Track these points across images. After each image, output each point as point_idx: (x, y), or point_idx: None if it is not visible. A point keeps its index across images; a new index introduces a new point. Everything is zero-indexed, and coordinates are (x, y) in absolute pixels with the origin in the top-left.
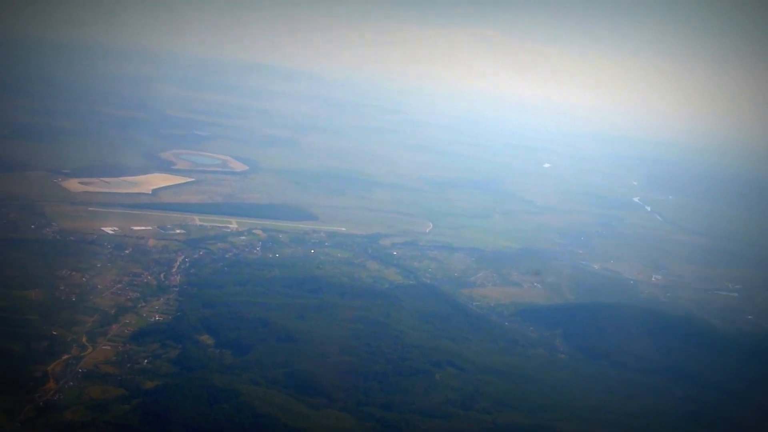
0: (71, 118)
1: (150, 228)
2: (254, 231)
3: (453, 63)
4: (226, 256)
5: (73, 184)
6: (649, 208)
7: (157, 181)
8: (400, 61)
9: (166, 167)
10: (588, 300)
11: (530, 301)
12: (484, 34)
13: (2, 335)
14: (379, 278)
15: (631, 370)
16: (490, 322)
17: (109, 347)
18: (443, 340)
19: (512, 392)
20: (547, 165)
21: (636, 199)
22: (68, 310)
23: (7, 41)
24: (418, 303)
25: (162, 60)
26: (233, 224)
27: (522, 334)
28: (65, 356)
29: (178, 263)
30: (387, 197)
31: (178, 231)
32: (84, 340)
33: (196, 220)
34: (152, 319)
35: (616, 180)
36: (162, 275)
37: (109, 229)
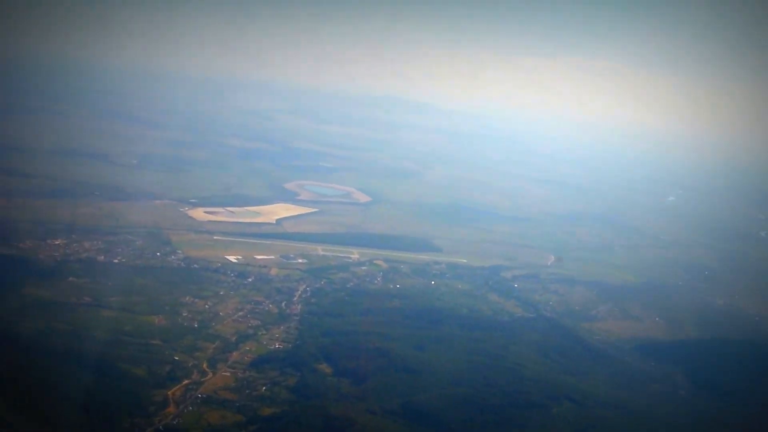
0: (199, 149)
1: (273, 257)
2: (376, 261)
3: (566, 92)
4: (348, 285)
5: (199, 214)
6: None
7: (281, 211)
8: (520, 92)
9: (291, 198)
10: (711, 336)
11: (651, 336)
12: (593, 65)
13: (127, 359)
14: (499, 310)
15: (754, 409)
16: (610, 356)
17: (228, 373)
18: (562, 374)
19: (630, 428)
20: (671, 198)
21: (763, 234)
22: (190, 336)
23: (138, 75)
24: (538, 336)
25: (288, 93)
26: (355, 254)
27: (642, 369)
28: (186, 381)
29: (299, 292)
30: (509, 229)
31: (300, 260)
32: (205, 366)
33: (319, 249)
34: (272, 347)
35: (741, 213)
36: (283, 303)
37: (232, 258)
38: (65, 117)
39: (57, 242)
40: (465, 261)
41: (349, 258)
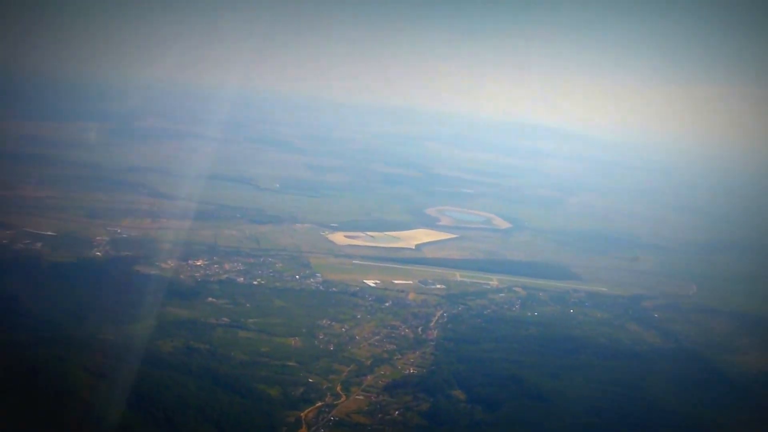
0: (341, 174)
1: (411, 282)
2: (514, 288)
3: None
4: (485, 312)
5: (339, 238)
6: None
7: (421, 236)
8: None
9: (431, 223)
10: None
11: None
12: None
13: (262, 380)
14: (637, 340)
15: None
16: (752, 391)
17: (362, 397)
18: (699, 408)
19: None
20: None
21: None
22: (326, 358)
23: (276, 102)
24: (677, 367)
25: (430, 118)
26: (494, 281)
27: None
28: (319, 403)
29: (436, 318)
30: (650, 258)
31: (438, 286)
32: (338, 388)
33: (457, 275)
34: (407, 372)
35: None
36: (419, 329)
37: (371, 282)
38: (210, 142)
39: (198, 263)
40: (605, 289)
41: (488, 284)
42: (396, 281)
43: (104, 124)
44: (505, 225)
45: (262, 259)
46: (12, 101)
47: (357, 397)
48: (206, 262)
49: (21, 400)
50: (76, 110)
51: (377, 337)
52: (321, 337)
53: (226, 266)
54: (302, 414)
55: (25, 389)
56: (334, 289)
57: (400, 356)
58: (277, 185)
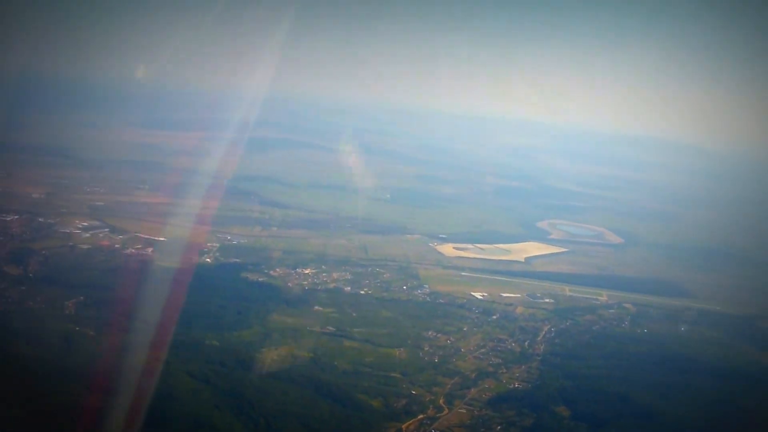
0: (453, 185)
1: (519, 295)
2: (624, 305)
3: None
4: (593, 328)
5: (448, 249)
6: None
7: (530, 249)
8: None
9: (542, 236)
10: None
11: None
12: None
13: (365, 390)
14: (752, 362)
15: None
16: None
17: (464, 410)
18: None
19: None
20: None
21: None
22: (430, 370)
23: (396, 112)
24: None
25: (540, 130)
26: (603, 296)
27: None
28: (421, 416)
29: (543, 332)
30: None
31: (546, 300)
32: (441, 401)
33: (566, 290)
34: (511, 386)
35: None
36: (526, 343)
37: (478, 294)
38: (322, 151)
39: (307, 271)
40: (719, 308)
41: (597, 300)
42: (504, 294)
43: (220, 133)
44: (616, 239)
45: (369, 269)
46: (130, 110)
47: (460, 410)
48: (314, 271)
49: (126, 401)
50: (192, 119)
51: (483, 350)
52: (426, 348)
53: (334, 275)
54: (403, 426)
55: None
56: (441, 300)
57: (505, 370)
58: (388, 195)
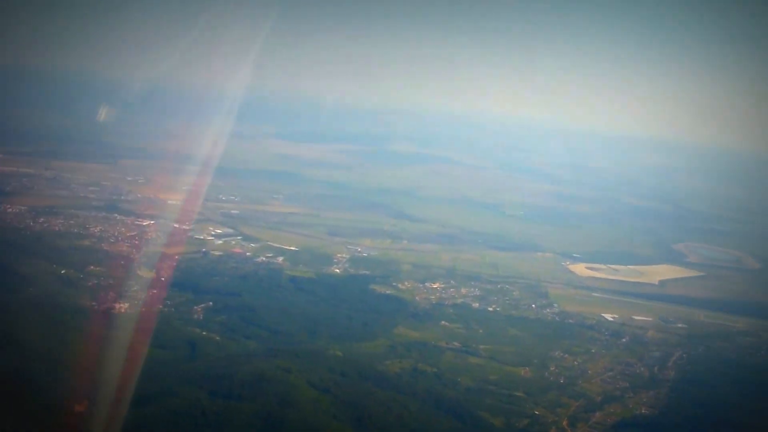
0: (589, 204)
1: (651, 319)
2: (762, 333)
3: None
4: (727, 356)
5: (581, 269)
6: None
7: (665, 272)
8: None
9: (678, 259)
10: None
11: None
12: None
13: (487, 407)
14: None
15: None
16: None
17: None
18: None
19: None
20: None
21: None
22: (555, 391)
23: (533, 129)
24: None
25: (686, 151)
26: (740, 324)
27: None
28: None
29: (674, 358)
30: None
31: (679, 325)
32: (565, 423)
33: (701, 315)
34: (638, 412)
35: None
36: (656, 368)
37: (609, 316)
38: (458, 166)
39: (435, 286)
40: None
41: (734, 327)
42: (635, 317)
43: (357, 146)
44: (755, 265)
45: (499, 286)
46: (270, 121)
47: None
48: (443, 286)
49: (246, 406)
50: (329, 133)
51: (610, 373)
52: (552, 368)
53: (463, 291)
54: None
55: (249, 396)
56: (570, 320)
57: (632, 395)
58: (522, 212)
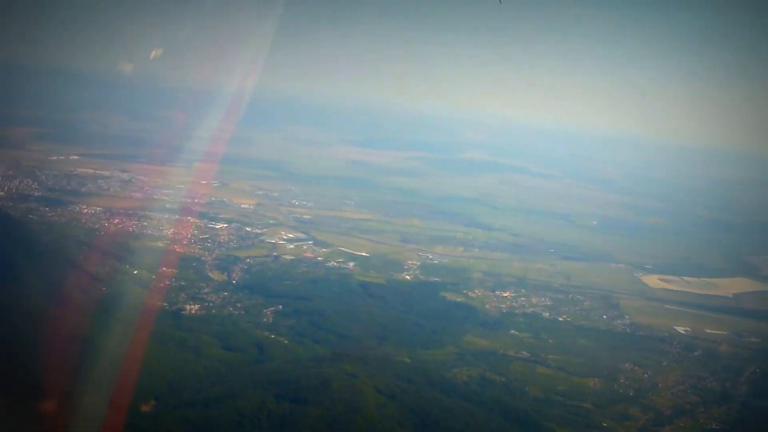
0: (662, 215)
1: (724, 333)
2: None
3: None
4: None
5: (653, 280)
6: None
7: (739, 285)
8: None
9: (752, 272)
10: None
11: None
12: None
13: (553, 418)
14: None
15: None
16: None
17: None
18: None
19: None
20: None
21: None
22: (624, 403)
23: (603, 140)
24: None
25: (745, 161)
26: None
27: None
28: None
29: (747, 373)
30: None
31: (753, 339)
32: None
33: None
34: (708, 427)
35: None
36: (728, 383)
37: (681, 329)
38: (530, 176)
39: (506, 294)
40: None
41: None
42: (708, 330)
43: (429, 153)
44: None
45: (570, 296)
46: (344, 128)
47: None
48: (513, 294)
49: (312, 410)
50: (401, 140)
51: (681, 387)
52: (621, 380)
53: (533, 300)
54: None
55: (315, 401)
56: (641, 332)
57: (703, 409)
58: (594, 223)
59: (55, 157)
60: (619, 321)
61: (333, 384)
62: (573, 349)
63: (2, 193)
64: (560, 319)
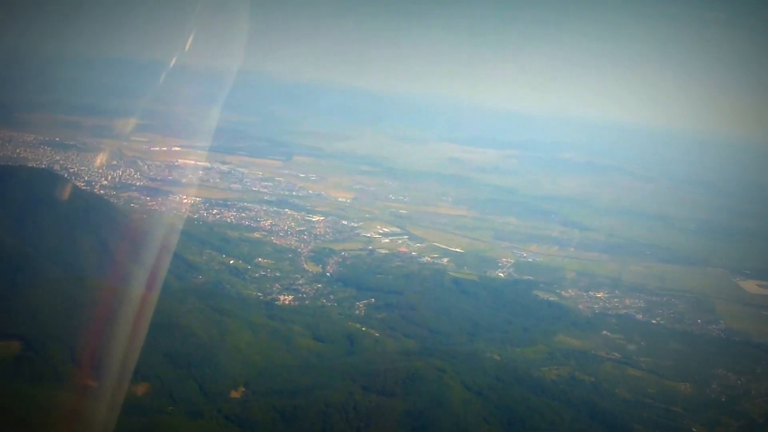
0: (760, 219)
1: None
2: None
3: None
4: None
5: (751, 286)
6: None
7: None
8: None
9: None
10: None
11: None
12: None
13: (642, 421)
14: None
15: None
16: None
17: None
18: None
19: None
20: None
21: None
22: (715, 409)
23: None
24: None
25: None
26: None
27: None
28: None
29: None
30: None
31: None
32: None
33: None
34: None
35: None
36: None
37: None
38: (627, 177)
39: (599, 295)
40: None
41: None
42: None
43: (526, 152)
44: None
45: (664, 299)
46: (442, 125)
47: None
48: (607, 295)
49: (398, 403)
50: (498, 138)
51: None
52: (713, 386)
53: (627, 301)
54: None
55: (402, 394)
56: (736, 338)
57: None
58: (693, 225)
59: (157, 148)
60: (713, 326)
61: (421, 378)
62: (665, 352)
63: (106, 182)
64: (653, 321)
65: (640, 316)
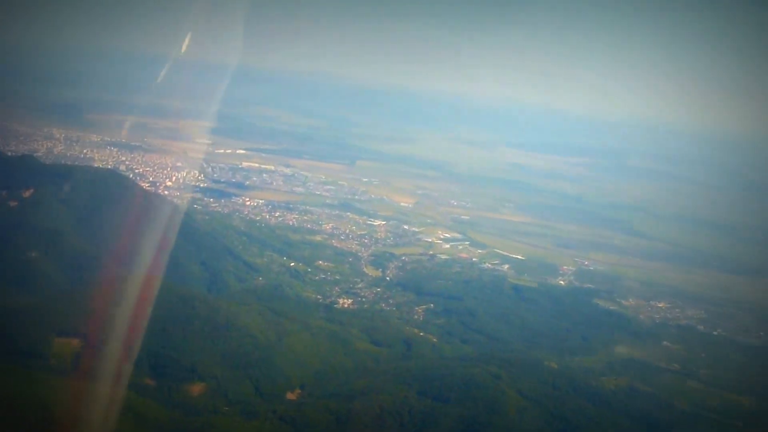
0: None
1: None
2: None
3: None
4: None
5: None
6: None
7: None
8: None
9: None
10: None
11: None
12: None
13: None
14: None
15: None
16: None
17: None
18: None
19: None
20: None
21: None
22: None
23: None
24: None
25: None
26: None
27: None
28: None
29: None
30: None
31: None
32: None
33: None
34: None
35: None
36: None
37: None
38: (694, 185)
39: (660, 305)
40: None
41: None
42: None
43: (592, 159)
44: None
45: (727, 310)
46: (506, 130)
47: None
48: (668, 305)
49: (453, 409)
50: (563, 144)
51: None
52: None
53: (689, 312)
54: None
55: (457, 399)
56: None
57: None
58: (760, 236)
59: (221, 151)
60: None
61: (477, 384)
62: (726, 365)
63: (170, 183)
64: (715, 332)
65: (701, 327)
